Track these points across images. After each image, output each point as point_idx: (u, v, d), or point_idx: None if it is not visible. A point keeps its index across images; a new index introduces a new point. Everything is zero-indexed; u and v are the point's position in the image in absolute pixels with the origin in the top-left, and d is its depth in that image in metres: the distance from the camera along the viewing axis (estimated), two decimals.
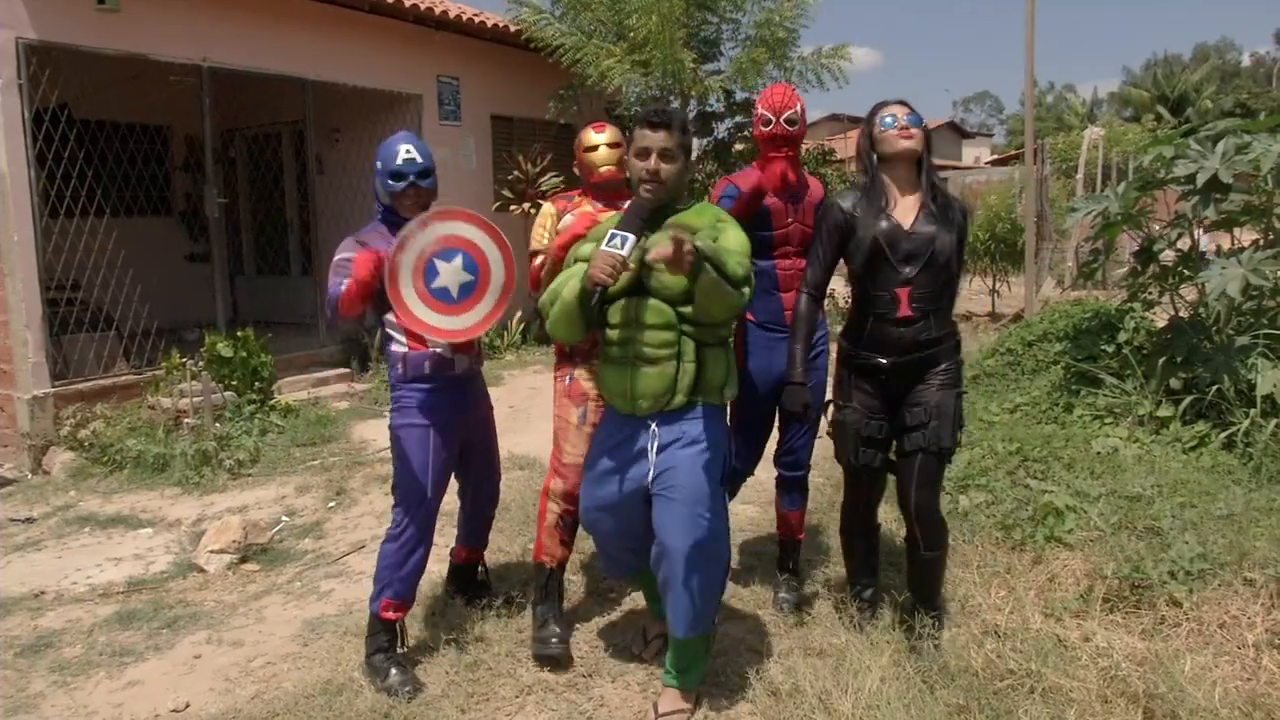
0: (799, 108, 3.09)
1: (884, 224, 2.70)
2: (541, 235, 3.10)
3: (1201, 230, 5.02)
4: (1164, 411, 4.30)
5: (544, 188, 8.83)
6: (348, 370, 7.65)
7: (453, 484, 3.14)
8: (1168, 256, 4.87)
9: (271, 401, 6.34)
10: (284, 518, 4.63)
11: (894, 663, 2.65)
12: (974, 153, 37.38)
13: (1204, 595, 2.86)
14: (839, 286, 7.96)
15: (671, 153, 2.52)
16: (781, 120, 3.06)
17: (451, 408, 2.94)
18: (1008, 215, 10.50)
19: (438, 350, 2.90)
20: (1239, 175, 4.36)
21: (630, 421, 2.58)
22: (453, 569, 3.44)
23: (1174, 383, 4.41)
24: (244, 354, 6.20)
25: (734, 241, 2.50)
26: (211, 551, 3.99)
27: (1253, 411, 3.99)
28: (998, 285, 11.04)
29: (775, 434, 3.36)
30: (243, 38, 6.99)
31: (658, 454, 2.52)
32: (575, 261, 2.64)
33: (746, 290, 2.45)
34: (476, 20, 8.88)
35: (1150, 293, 5.00)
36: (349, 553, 4.12)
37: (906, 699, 2.45)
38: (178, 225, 9.40)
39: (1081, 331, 5.24)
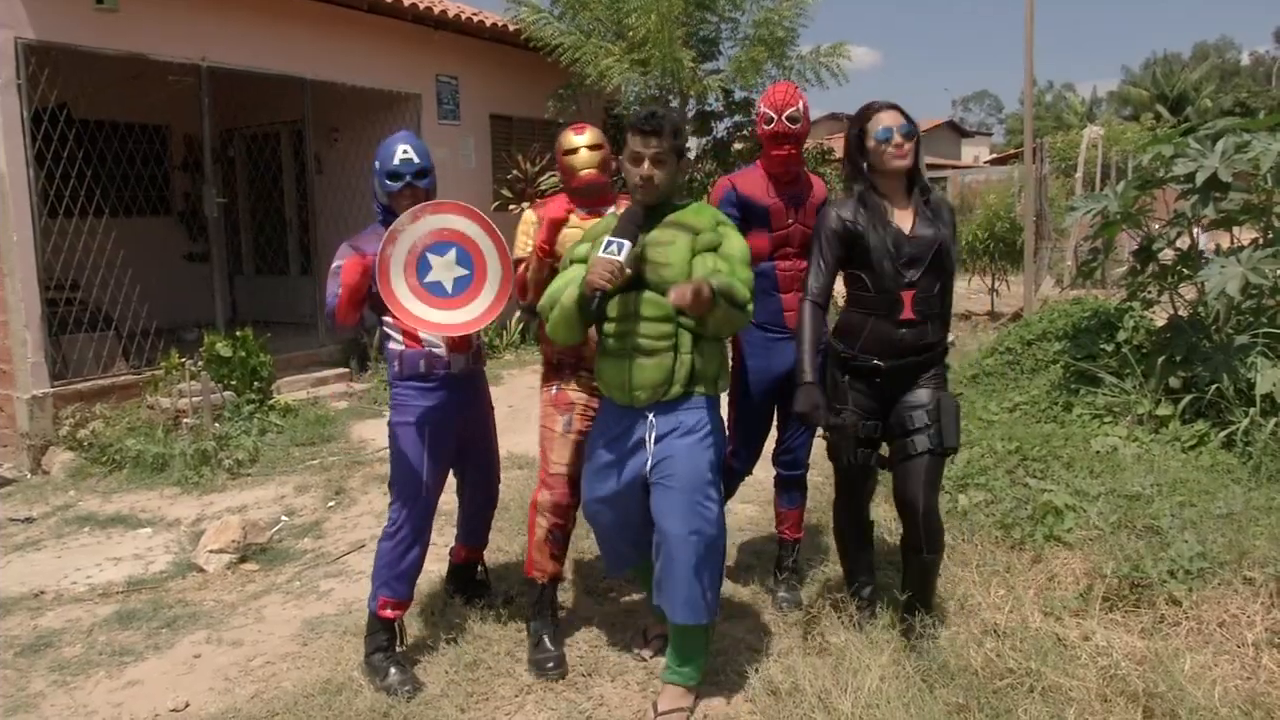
0: (801, 105, 3.09)
1: (888, 231, 2.71)
2: (525, 243, 3.05)
3: (1201, 229, 5.01)
4: (1163, 410, 4.30)
5: (543, 187, 8.82)
6: (347, 370, 7.65)
7: (452, 483, 3.14)
8: (1167, 255, 4.87)
9: (271, 401, 6.34)
10: (283, 517, 4.63)
11: (893, 662, 2.65)
12: (973, 152, 37.43)
13: (1203, 594, 2.86)
14: (838, 287, 7.92)
15: (664, 158, 2.55)
16: (784, 118, 3.06)
17: (449, 406, 2.93)
18: (1007, 214, 10.49)
19: (433, 348, 2.89)
20: (1238, 174, 4.35)
21: (628, 413, 2.61)
22: (452, 568, 3.44)
23: (1173, 382, 4.41)
24: (243, 354, 6.21)
25: (736, 248, 2.60)
26: (211, 551, 3.99)
27: (1252, 410, 3.98)
28: (997, 284, 11.02)
29: (774, 433, 3.37)
30: (242, 37, 6.98)
31: (655, 444, 2.56)
32: (571, 262, 2.65)
33: (751, 307, 2.56)
34: (475, 20, 8.88)
35: (1149, 292, 4.99)
36: (348, 552, 4.12)
37: (906, 698, 2.45)
38: (177, 225, 9.39)
39: (1081, 330, 5.24)
